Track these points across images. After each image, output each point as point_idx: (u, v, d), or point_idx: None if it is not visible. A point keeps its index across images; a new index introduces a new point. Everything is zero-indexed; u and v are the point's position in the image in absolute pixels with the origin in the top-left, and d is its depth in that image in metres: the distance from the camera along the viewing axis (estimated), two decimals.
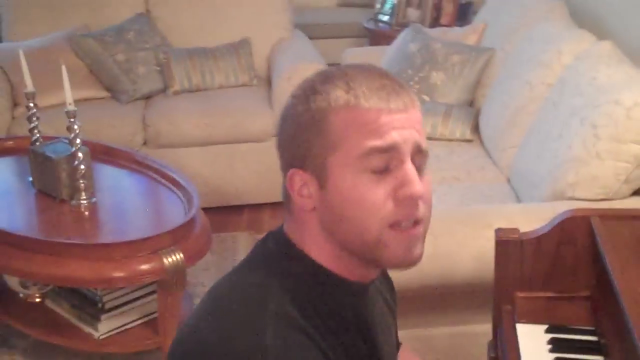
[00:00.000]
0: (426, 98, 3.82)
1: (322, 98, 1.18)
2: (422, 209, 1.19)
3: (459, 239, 2.33)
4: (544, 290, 1.84)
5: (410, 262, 1.21)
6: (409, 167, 1.17)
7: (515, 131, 3.22)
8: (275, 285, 1.18)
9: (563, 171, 2.57)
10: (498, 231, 1.85)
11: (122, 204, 3.09)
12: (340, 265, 1.22)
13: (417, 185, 1.16)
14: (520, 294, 1.84)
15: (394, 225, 1.17)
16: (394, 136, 1.15)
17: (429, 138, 3.60)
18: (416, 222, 1.19)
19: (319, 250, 1.22)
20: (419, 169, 1.19)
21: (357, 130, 1.15)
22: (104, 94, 4.40)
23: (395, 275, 2.27)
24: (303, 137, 1.19)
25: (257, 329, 1.12)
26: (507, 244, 1.84)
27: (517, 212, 2.41)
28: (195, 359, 1.14)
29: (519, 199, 2.94)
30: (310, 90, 1.20)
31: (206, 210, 3.07)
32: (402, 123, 1.16)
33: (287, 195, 1.24)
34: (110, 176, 3.23)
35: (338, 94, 1.17)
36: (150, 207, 3.08)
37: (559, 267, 1.84)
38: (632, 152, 2.44)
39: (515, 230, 1.85)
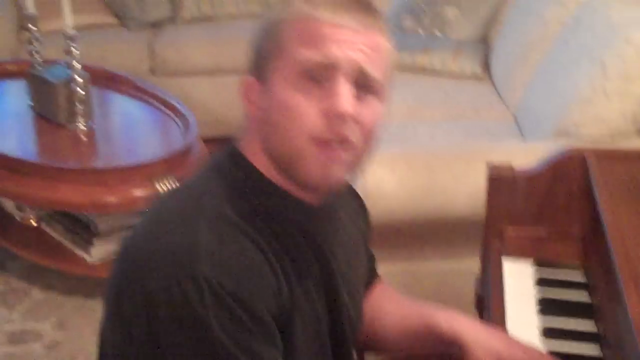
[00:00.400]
0: (438, 33, 3.74)
1: (283, 8, 1.18)
2: (354, 132, 1.14)
3: (455, 173, 2.28)
4: (535, 227, 1.79)
5: (325, 183, 1.17)
6: (342, 84, 1.13)
7: (525, 69, 3.14)
8: (214, 186, 1.17)
9: (569, 110, 2.50)
10: (491, 166, 1.80)
11: (119, 129, 3.07)
12: (281, 178, 1.19)
13: (345, 103, 1.12)
14: (510, 231, 1.79)
15: (317, 141, 1.13)
16: (332, 50, 1.12)
17: (438, 74, 3.53)
18: (342, 143, 1.14)
19: (260, 159, 1.19)
20: (364, 92, 1.15)
21: (300, 39, 1.13)
22: (112, 20, 4.34)
23: (389, 208, 2.24)
24: (259, 43, 1.19)
25: (190, 225, 1.11)
26: (499, 180, 1.78)
27: (517, 149, 2.36)
28: (128, 259, 1.14)
29: (524, 138, 2.87)
30: (280, 1, 1.21)
31: (212, 140, 3.02)
32: (349, 41, 1.13)
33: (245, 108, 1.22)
34: (110, 102, 3.20)
35: (297, 5, 1.16)
36: (148, 134, 3.06)
37: (552, 205, 1.78)
38: None
39: (509, 166, 1.79)
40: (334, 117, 1.12)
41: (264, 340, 1.11)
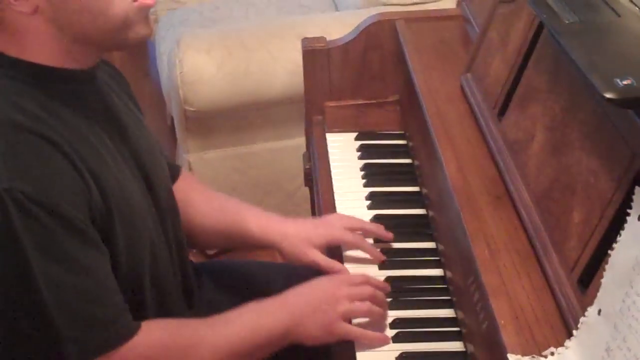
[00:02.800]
0: None
1: None
2: None
3: (273, 52, 2.27)
4: (353, 98, 1.82)
5: (150, 34, 1.18)
6: None
7: None
8: None
9: None
10: (304, 41, 1.80)
11: None
12: (65, 59, 1.15)
13: None
14: (329, 104, 1.81)
15: None
16: None
17: None
18: None
19: (40, 51, 1.13)
20: None
21: None
22: None
23: (210, 93, 2.22)
24: None
25: None
26: (314, 53, 1.79)
27: (331, 21, 2.37)
28: None
29: (338, 10, 2.88)
30: None
31: None
32: None
33: None
34: None
35: None
36: None
37: (367, 73, 1.81)
38: None
39: (322, 38, 1.80)
40: None
41: (85, 247, 1.09)
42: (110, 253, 1.15)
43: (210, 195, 1.54)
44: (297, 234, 1.45)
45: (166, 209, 1.34)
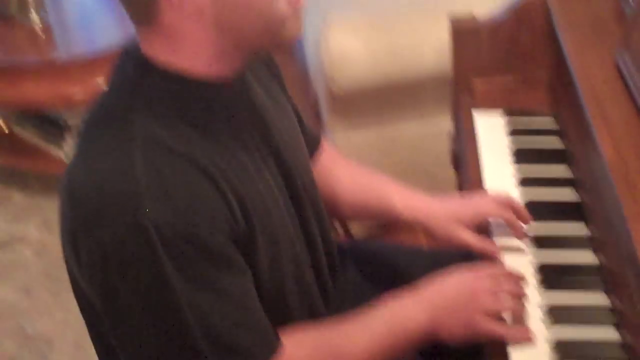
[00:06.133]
0: None
1: None
2: None
3: (419, 31, 2.26)
4: (502, 77, 1.79)
5: (301, 33, 1.16)
6: None
7: None
8: (139, 109, 1.08)
9: None
10: (453, 19, 1.78)
11: (77, 17, 2.95)
12: (216, 67, 1.13)
13: None
14: (478, 82, 1.79)
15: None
16: None
17: None
18: None
19: (193, 58, 1.10)
20: None
21: None
22: None
23: (357, 74, 2.22)
24: None
25: (125, 160, 1.04)
26: (462, 32, 1.77)
27: None
28: (74, 201, 1.08)
29: None
30: None
31: None
32: None
33: (151, 9, 1.07)
34: None
35: None
36: (105, 20, 2.93)
37: (517, 52, 1.77)
38: None
39: (471, 17, 1.77)
40: None
41: (228, 272, 1.08)
42: (253, 270, 1.14)
43: (354, 171, 1.54)
44: (444, 212, 1.43)
45: (305, 199, 1.32)
